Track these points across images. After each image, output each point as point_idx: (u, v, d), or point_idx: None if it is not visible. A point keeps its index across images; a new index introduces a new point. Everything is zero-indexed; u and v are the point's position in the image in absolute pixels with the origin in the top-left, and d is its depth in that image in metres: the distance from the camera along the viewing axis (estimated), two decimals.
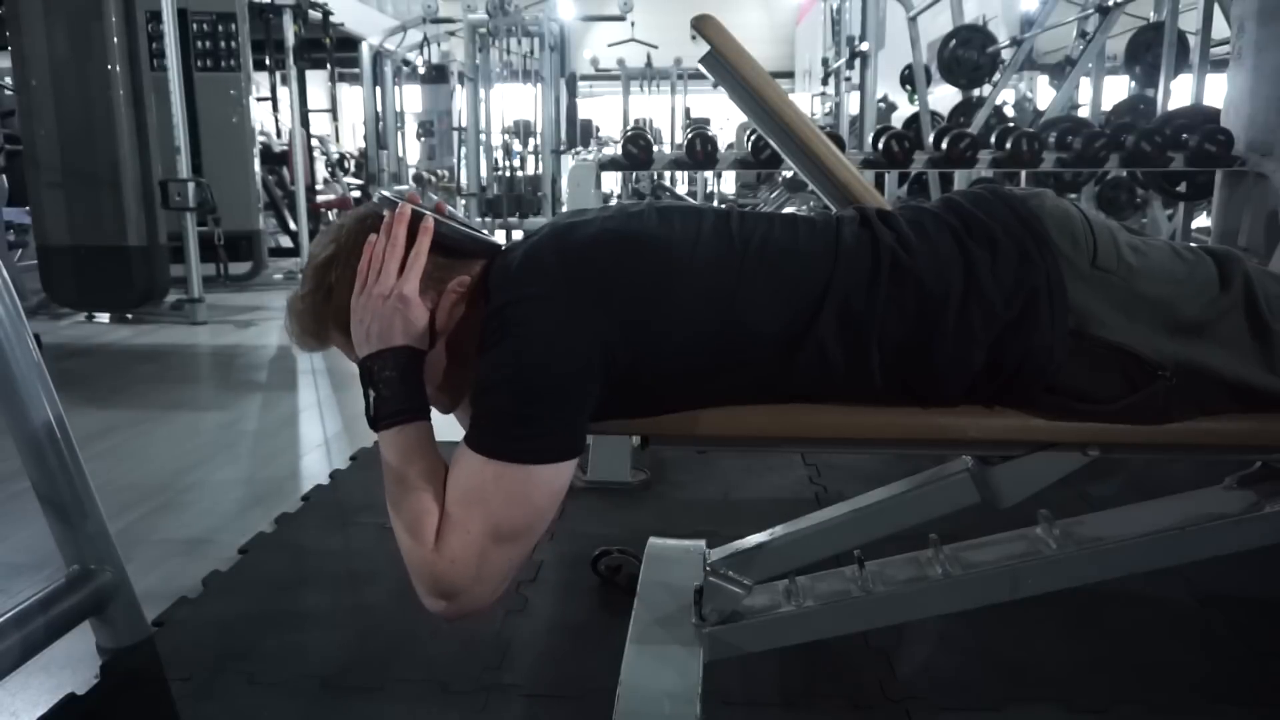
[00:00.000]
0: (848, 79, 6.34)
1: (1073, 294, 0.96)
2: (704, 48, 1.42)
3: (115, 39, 4.37)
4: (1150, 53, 5.11)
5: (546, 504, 0.91)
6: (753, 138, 2.81)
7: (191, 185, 4.65)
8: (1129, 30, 5.50)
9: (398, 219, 0.97)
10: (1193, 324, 0.97)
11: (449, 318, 1.00)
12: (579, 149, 9.50)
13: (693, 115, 12.37)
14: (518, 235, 8.71)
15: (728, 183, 11.51)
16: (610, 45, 12.82)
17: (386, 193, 1.03)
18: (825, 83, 8.80)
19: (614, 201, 10.58)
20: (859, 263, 0.98)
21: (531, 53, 8.60)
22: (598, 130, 13.35)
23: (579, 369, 0.91)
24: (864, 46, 5.24)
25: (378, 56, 10.10)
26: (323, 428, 2.98)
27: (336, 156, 9.54)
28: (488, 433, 0.90)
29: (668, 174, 9.71)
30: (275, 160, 6.84)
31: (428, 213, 0.99)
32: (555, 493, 0.91)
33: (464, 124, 8.79)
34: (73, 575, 1.49)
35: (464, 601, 0.90)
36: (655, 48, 12.43)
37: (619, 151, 2.85)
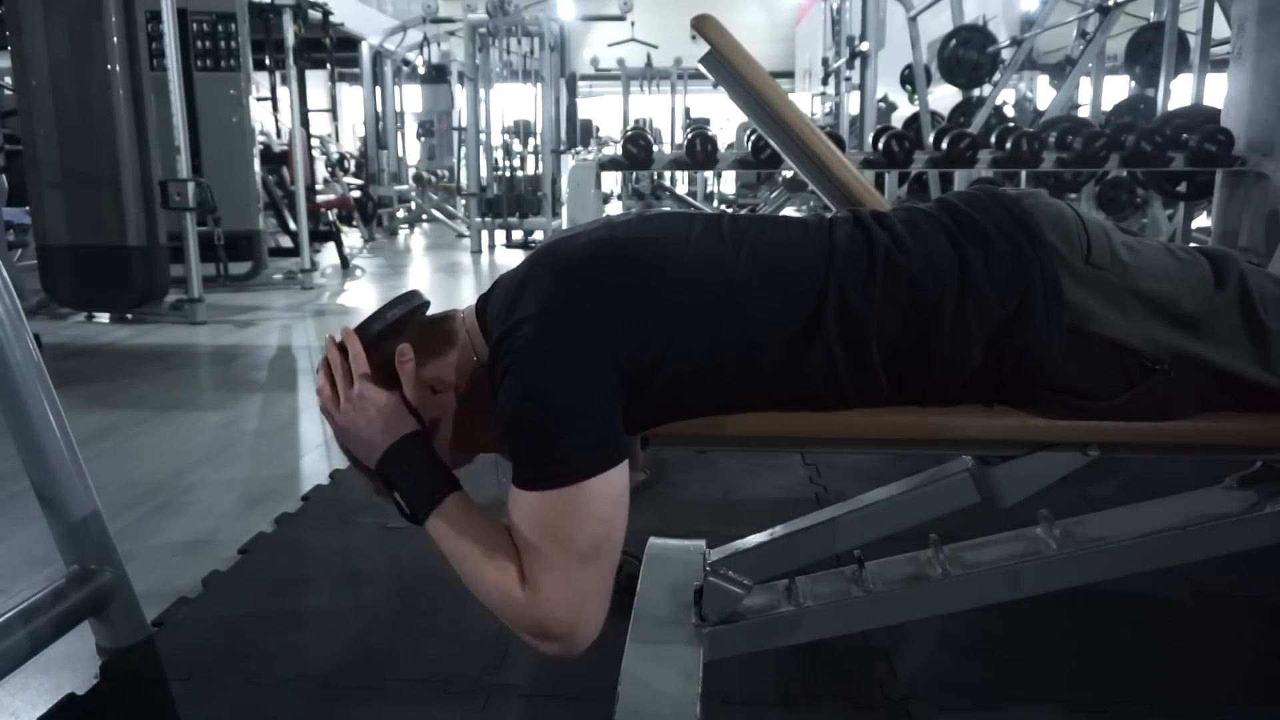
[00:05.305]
0: (848, 79, 6.34)
1: (1068, 290, 0.96)
2: (704, 48, 1.43)
3: (115, 39, 4.36)
4: (1150, 53, 5.11)
5: (612, 512, 0.90)
6: (753, 138, 2.81)
7: (191, 185, 4.64)
8: (1129, 30, 5.51)
9: (327, 350, 1.01)
10: (1188, 319, 0.97)
11: (417, 386, 0.99)
12: (579, 149, 9.51)
13: (693, 115, 12.39)
14: (518, 235, 8.71)
15: (728, 183, 11.53)
16: (610, 45, 12.83)
17: None
18: (825, 83, 8.81)
19: (614, 201, 10.61)
20: (854, 261, 0.99)
21: (531, 52, 8.60)
22: (598, 130, 13.36)
23: (591, 378, 0.90)
24: (864, 46, 5.24)
25: (378, 56, 10.11)
26: (323, 428, 2.97)
27: (336, 156, 9.55)
28: (528, 466, 0.90)
29: (668, 174, 9.73)
30: (275, 160, 6.84)
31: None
32: (616, 498, 0.90)
33: (464, 124, 8.78)
34: (73, 575, 1.49)
35: (577, 633, 0.89)
36: (655, 48, 12.43)
37: (619, 151, 2.85)
